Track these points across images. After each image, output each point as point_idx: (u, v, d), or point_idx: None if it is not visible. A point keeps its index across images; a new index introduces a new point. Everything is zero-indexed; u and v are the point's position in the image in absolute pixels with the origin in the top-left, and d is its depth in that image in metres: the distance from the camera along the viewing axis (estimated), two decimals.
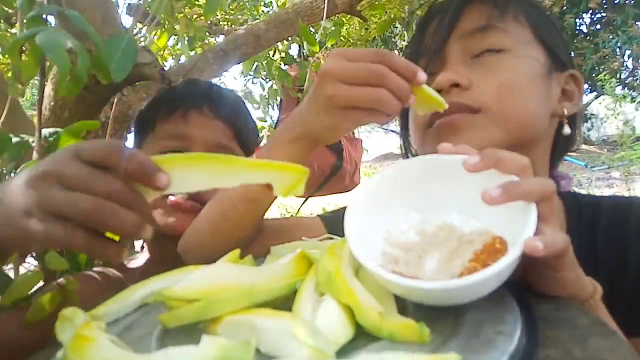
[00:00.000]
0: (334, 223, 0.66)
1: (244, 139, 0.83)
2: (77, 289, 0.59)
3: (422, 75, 0.49)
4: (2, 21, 1.70)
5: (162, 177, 0.39)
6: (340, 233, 0.44)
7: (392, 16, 2.30)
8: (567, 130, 0.65)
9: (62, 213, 0.38)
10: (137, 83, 1.05)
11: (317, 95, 0.51)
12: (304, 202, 1.98)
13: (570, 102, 0.66)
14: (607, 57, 9.71)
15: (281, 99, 2.40)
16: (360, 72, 0.48)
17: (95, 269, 0.77)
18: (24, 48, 0.66)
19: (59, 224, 0.38)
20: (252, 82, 3.44)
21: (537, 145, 0.64)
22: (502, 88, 0.59)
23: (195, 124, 0.78)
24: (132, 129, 1.28)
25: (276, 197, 0.59)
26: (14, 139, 0.73)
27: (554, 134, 0.67)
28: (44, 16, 0.66)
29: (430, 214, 0.47)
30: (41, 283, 0.62)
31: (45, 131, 0.77)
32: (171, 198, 0.73)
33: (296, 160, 0.48)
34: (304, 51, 2.30)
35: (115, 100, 1.02)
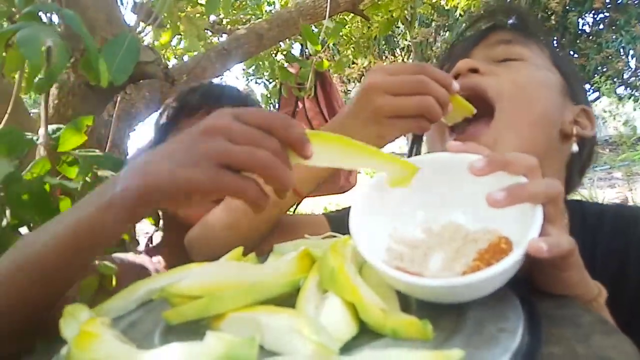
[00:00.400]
0: (338, 222, 0.67)
1: None
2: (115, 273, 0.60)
3: (456, 85, 0.52)
4: (4, 20, 1.71)
5: (310, 147, 0.41)
6: (344, 232, 0.44)
7: (394, 15, 2.30)
8: (574, 148, 0.66)
9: (233, 163, 0.40)
10: (140, 81, 1.05)
11: (364, 107, 0.53)
12: (298, 203, 1.97)
13: (583, 129, 0.68)
14: (610, 58, 9.69)
15: (279, 97, 2.40)
16: (405, 83, 0.51)
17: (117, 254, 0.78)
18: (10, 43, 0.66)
19: (229, 173, 0.40)
20: (256, 83, 3.45)
21: (549, 161, 0.64)
22: (517, 84, 0.61)
23: None
24: (135, 127, 1.29)
25: (296, 202, 0.60)
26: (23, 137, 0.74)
27: (569, 157, 0.68)
28: (41, 14, 0.66)
29: (436, 212, 0.47)
30: None
31: (49, 128, 0.77)
32: None
33: (332, 171, 0.51)
34: (306, 50, 2.30)
35: (119, 98, 1.02)
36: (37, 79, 0.61)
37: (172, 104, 0.86)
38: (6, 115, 0.78)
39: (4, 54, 0.65)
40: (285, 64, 2.18)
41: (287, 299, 0.42)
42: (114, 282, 0.64)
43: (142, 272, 0.78)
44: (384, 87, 0.51)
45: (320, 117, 2.32)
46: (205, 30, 2.32)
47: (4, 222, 0.68)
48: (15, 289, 0.46)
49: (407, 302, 0.41)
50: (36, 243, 0.47)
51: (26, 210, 0.74)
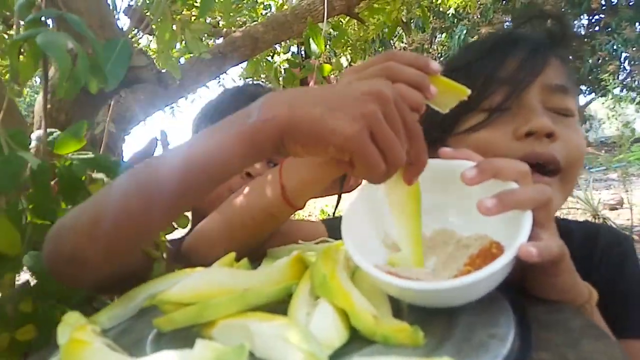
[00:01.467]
0: (335, 227, 0.67)
1: None
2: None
3: (435, 65, 0.47)
4: (0, 22, 1.70)
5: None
6: (339, 237, 0.44)
7: (393, 18, 2.30)
8: None
9: (378, 137, 0.40)
10: (134, 85, 1.05)
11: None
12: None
13: None
14: (604, 60, 9.74)
15: None
16: (374, 74, 0.47)
17: None
18: (22, 50, 0.66)
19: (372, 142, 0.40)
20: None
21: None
22: (576, 150, 0.61)
23: None
24: (129, 131, 1.28)
25: (292, 214, 0.60)
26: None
27: None
28: (42, 19, 0.66)
29: (429, 217, 0.47)
30: None
31: (41, 132, 0.76)
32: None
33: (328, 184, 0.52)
34: (302, 54, 2.30)
35: (112, 102, 1.02)
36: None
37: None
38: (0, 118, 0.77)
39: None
40: (282, 66, 2.18)
41: (280, 305, 0.42)
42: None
43: None
44: (354, 70, 0.49)
45: None
46: (202, 34, 2.32)
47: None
48: (132, 209, 0.45)
49: (398, 308, 0.41)
50: (160, 165, 0.46)
51: (55, 200, 0.75)
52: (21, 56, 0.67)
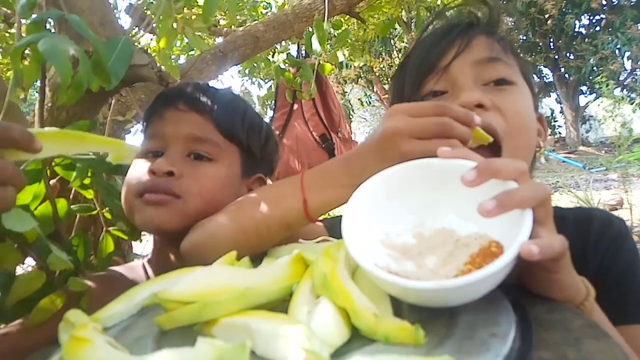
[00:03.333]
0: (335, 228, 0.67)
1: (229, 131, 0.78)
2: (85, 290, 0.60)
3: (477, 119, 0.53)
4: (1, 21, 1.70)
5: (38, 143, 0.48)
6: (339, 236, 0.44)
7: (392, 17, 2.30)
8: (542, 160, 0.70)
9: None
10: (135, 84, 1.05)
11: (389, 151, 0.53)
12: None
13: (540, 137, 0.72)
14: (606, 59, 9.73)
15: (275, 99, 2.41)
16: (429, 126, 0.51)
17: (98, 273, 0.76)
18: (25, 53, 0.66)
19: None
20: (252, 83, 3.45)
21: None
22: (517, 118, 0.64)
23: (169, 121, 0.76)
24: (130, 130, 1.28)
25: (306, 225, 0.61)
26: None
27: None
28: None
29: (428, 217, 0.47)
30: None
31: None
32: (147, 196, 0.71)
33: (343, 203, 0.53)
34: (302, 53, 2.30)
35: (113, 101, 1.02)
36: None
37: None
38: (0, 116, 0.78)
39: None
40: (283, 66, 2.18)
41: (280, 304, 0.42)
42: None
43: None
44: (408, 132, 0.52)
45: (317, 117, 2.32)
46: (202, 33, 2.32)
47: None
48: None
49: (399, 307, 0.41)
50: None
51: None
52: (24, 60, 0.67)
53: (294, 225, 0.61)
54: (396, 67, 0.81)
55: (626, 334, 0.51)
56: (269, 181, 0.87)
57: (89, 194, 0.84)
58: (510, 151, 0.61)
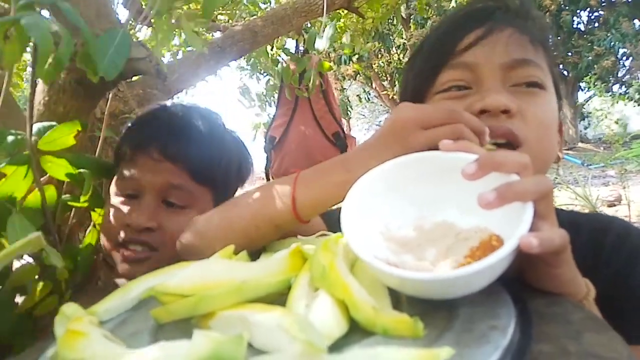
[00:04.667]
0: (333, 220, 0.66)
1: (204, 177, 0.79)
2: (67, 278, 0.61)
3: (487, 136, 0.52)
4: None
5: None
6: (338, 230, 0.44)
7: (389, 8, 2.29)
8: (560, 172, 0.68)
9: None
10: (132, 78, 1.04)
11: (395, 144, 0.52)
12: None
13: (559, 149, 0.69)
14: (601, 56, 9.74)
15: (279, 95, 2.40)
16: (443, 134, 0.50)
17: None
18: (8, 34, 0.65)
19: None
20: (250, 78, 3.44)
21: None
22: (541, 127, 0.60)
23: (142, 168, 0.77)
24: (127, 125, 1.27)
25: (298, 222, 0.59)
26: (10, 137, 0.73)
27: None
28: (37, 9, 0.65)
29: (428, 210, 0.47)
30: None
31: (40, 125, 0.76)
32: (124, 253, 0.75)
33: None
34: (301, 49, 2.30)
35: (111, 95, 1.01)
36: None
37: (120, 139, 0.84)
38: None
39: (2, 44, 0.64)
40: (283, 58, 2.18)
41: (278, 298, 0.41)
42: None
43: None
44: (420, 122, 0.51)
45: (329, 116, 2.32)
46: (201, 29, 2.31)
47: None
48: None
49: (398, 300, 0.41)
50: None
51: None
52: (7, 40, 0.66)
53: (283, 226, 0.59)
54: (395, 63, 0.79)
55: None
56: None
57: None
58: (534, 159, 0.59)
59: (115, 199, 0.78)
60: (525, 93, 0.61)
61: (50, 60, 0.58)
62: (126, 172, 0.78)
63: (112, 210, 0.78)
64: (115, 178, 0.81)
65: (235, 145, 0.87)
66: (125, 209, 0.76)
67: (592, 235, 0.66)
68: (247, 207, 0.61)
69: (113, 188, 0.80)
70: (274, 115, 2.43)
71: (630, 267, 0.63)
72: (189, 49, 2.39)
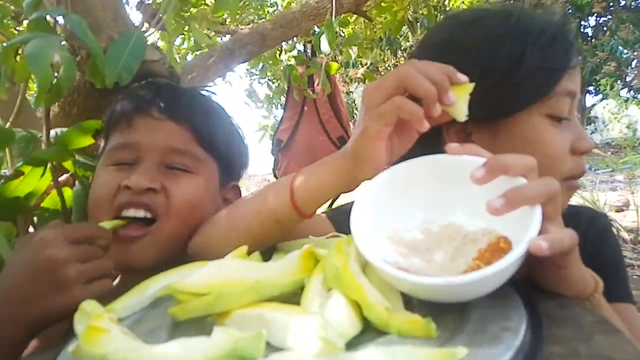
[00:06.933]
0: (340, 221, 0.67)
1: (208, 142, 0.71)
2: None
3: (463, 77, 0.48)
4: (9, 18, 1.71)
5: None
6: (346, 231, 0.45)
7: (401, 17, 2.30)
8: None
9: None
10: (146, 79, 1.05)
11: (367, 113, 0.50)
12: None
13: None
14: (605, 61, 9.69)
15: (286, 98, 2.42)
16: (385, 87, 0.48)
17: None
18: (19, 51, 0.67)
19: None
20: (259, 82, 3.46)
21: None
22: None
23: (142, 130, 0.68)
24: None
25: (300, 222, 0.59)
26: (21, 134, 0.75)
27: None
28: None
29: (436, 213, 0.47)
30: None
31: (53, 132, 0.78)
32: (121, 233, 0.64)
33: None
34: (308, 51, 2.31)
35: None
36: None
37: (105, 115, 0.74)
38: (12, 115, 0.79)
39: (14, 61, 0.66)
40: (289, 63, 2.19)
41: (291, 298, 0.42)
42: None
43: None
44: (367, 102, 0.50)
45: (335, 120, 2.33)
46: (209, 30, 2.33)
47: None
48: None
49: (409, 301, 0.41)
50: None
51: None
52: (19, 57, 0.68)
53: (284, 221, 0.58)
54: None
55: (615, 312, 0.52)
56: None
57: None
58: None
59: (108, 169, 0.68)
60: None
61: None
62: (121, 139, 0.69)
63: (103, 179, 0.67)
64: (105, 151, 0.71)
65: (234, 123, 0.80)
66: (122, 175, 0.66)
67: (567, 222, 0.68)
68: (249, 204, 0.62)
69: (103, 161, 0.70)
70: (281, 118, 2.45)
71: (601, 244, 0.71)
72: (197, 53, 2.42)
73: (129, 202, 0.65)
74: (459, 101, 0.48)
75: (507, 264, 0.36)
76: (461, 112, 0.48)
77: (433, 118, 0.47)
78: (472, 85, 0.49)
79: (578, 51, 0.62)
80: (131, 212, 0.65)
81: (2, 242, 0.61)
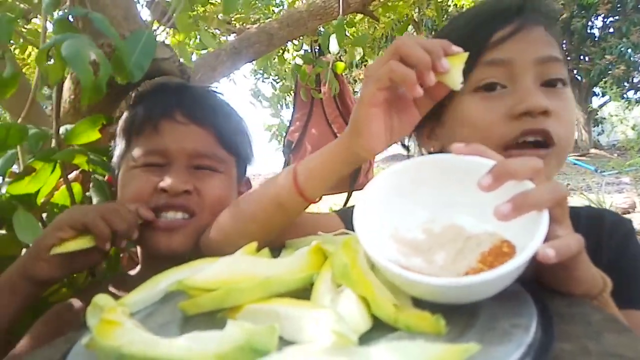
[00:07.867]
0: (349, 219, 0.67)
1: (229, 143, 0.77)
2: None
3: (456, 48, 0.50)
4: (21, 17, 1.73)
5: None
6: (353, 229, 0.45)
7: (406, 17, 2.30)
8: None
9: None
10: (155, 78, 1.06)
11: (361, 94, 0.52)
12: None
13: None
14: (613, 63, 9.64)
15: (295, 99, 2.42)
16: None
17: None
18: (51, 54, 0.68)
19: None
20: (263, 81, 3.47)
21: None
22: (569, 126, 0.63)
23: (168, 135, 0.73)
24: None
25: (305, 208, 0.61)
26: (32, 130, 0.75)
27: None
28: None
29: (440, 213, 0.47)
30: None
31: (63, 128, 0.79)
32: (166, 217, 0.71)
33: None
34: (315, 50, 2.31)
35: (133, 94, 1.03)
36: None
37: (124, 118, 0.78)
38: (24, 112, 0.79)
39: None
40: (295, 62, 2.19)
41: (300, 294, 0.42)
42: None
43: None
44: (366, 72, 0.51)
45: (341, 119, 2.33)
46: (216, 30, 2.33)
47: None
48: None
49: (419, 299, 0.41)
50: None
51: None
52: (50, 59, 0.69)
53: (288, 206, 0.59)
54: None
55: (629, 318, 0.51)
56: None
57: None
58: (561, 156, 0.62)
59: (137, 170, 0.73)
60: (554, 93, 0.63)
61: None
62: (149, 145, 0.73)
63: (137, 181, 0.73)
64: (132, 154, 0.74)
65: (243, 122, 0.86)
66: (155, 177, 0.72)
67: (590, 223, 0.70)
68: (255, 192, 0.64)
69: (129, 163, 0.75)
70: (290, 120, 2.45)
71: (624, 248, 0.70)
72: (203, 51, 2.42)
73: (167, 205, 0.71)
74: (454, 69, 0.48)
75: (512, 268, 0.36)
76: (456, 80, 0.49)
77: (431, 92, 0.50)
78: (467, 54, 0.49)
79: (518, 12, 0.64)
80: (170, 215, 0.72)
81: (27, 232, 0.63)
